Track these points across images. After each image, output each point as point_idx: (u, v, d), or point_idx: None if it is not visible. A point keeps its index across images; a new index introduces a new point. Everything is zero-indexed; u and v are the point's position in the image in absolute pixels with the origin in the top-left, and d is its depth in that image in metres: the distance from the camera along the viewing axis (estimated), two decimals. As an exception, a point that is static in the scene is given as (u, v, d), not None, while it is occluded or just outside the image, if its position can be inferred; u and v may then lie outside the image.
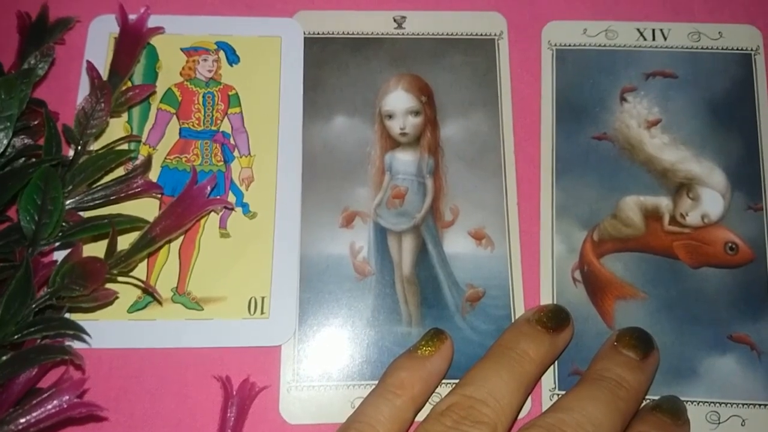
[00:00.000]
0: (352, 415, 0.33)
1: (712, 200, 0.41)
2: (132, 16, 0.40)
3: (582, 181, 0.41)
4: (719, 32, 0.44)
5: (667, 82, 0.43)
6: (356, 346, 0.38)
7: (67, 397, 0.30)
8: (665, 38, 0.44)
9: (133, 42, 0.39)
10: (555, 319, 0.36)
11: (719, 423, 0.37)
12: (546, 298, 0.40)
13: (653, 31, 0.44)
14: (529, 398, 0.37)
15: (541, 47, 0.44)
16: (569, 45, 0.44)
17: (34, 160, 0.35)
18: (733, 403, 0.38)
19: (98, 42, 0.42)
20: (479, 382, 0.33)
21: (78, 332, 0.33)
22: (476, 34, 0.44)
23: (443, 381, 0.36)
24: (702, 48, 0.44)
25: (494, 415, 0.31)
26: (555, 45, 0.44)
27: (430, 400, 0.35)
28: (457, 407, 0.32)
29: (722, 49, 0.44)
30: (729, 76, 0.43)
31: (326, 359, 0.38)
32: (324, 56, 0.43)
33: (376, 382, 0.34)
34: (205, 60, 0.42)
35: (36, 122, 0.37)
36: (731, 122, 0.42)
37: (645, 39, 0.44)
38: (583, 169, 0.42)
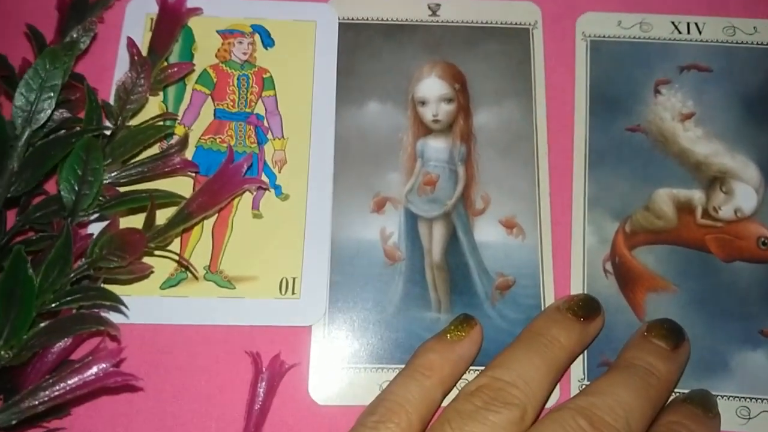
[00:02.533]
0: (381, 393, 0.33)
1: (745, 194, 0.41)
2: (171, -4, 0.40)
3: (615, 172, 0.41)
4: (754, 27, 0.44)
5: (702, 76, 0.43)
6: (385, 330, 0.38)
7: (104, 366, 0.30)
8: (700, 32, 0.44)
9: (171, 22, 0.39)
10: (586, 308, 0.36)
11: (749, 418, 0.37)
12: (576, 289, 0.39)
13: (688, 24, 0.44)
14: (558, 388, 0.37)
15: (575, 38, 0.44)
16: (604, 36, 0.44)
17: (77, 129, 0.35)
18: (764, 399, 0.37)
19: (135, 22, 0.42)
20: (509, 364, 0.33)
21: (115, 303, 0.33)
22: (511, 23, 0.44)
23: (471, 368, 0.36)
24: (737, 42, 0.44)
25: (524, 397, 0.31)
26: (589, 36, 0.44)
27: (457, 385, 0.35)
28: (486, 388, 0.32)
29: (757, 43, 0.44)
30: (764, 70, 0.43)
31: (355, 342, 0.38)
32: (358, 42, 0.43)
33: (404, 365, 0.34)
34: (241, 43, 0.43)
35: (75, 96, 0.37)
36: (765, 117, 0.42)
37: (680, 32, 0.44)
38: (616, 161, 0.42)
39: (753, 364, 0.38)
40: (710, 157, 0.42)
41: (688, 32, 0.44)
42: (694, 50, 0.44)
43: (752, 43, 0.44)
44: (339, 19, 0.44)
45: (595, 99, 0.43)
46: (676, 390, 0.36)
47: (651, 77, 0.43)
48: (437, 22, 0.44)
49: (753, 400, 0.37)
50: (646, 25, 0.44)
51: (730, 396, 0.37)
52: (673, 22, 0.44)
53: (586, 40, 0.44)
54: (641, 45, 0.44)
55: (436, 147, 0.42)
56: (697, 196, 0.41)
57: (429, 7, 0.45)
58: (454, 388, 0.35)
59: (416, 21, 0.44)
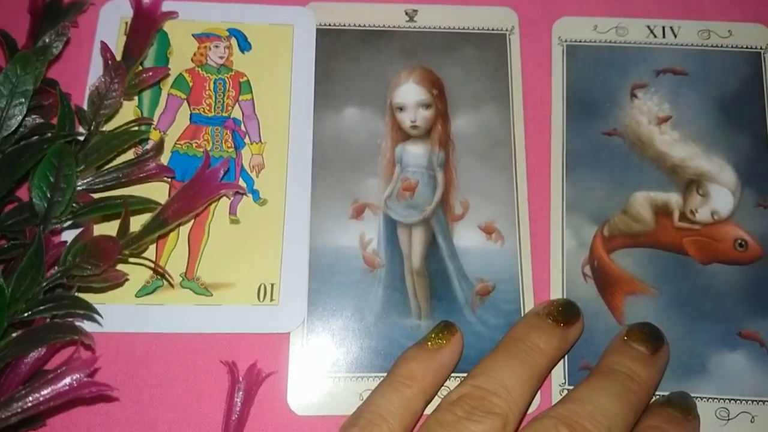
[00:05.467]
0: (362, 405, 0.33)
1: (721, 197, 0.41)
2: (146, 0, 0.40)
3: (592, 176, 0.42)
4: (729, 30, 0.45)
5: (678, 79, 0.43)
6: (365, 338, 0.38)
7: (78, 376, 0.30)
8: (675, 36, 0.44)
9: (146, 25, 0.39)
10: (565, 312, 0.36)
11: (728, 419, 0.37)
12: (556, 293, 0.39)
13: (663, 28, 0.45)
14: (539, 393, 0.37)
15: (551, 42, 0.44)
16: (580, 41, 0.44)
17: (48, 135, 0.34)
18: (743, 400, 0.38)
19: (109, 26, 0.42)
20: (490, 372, 0.32)
21: (89, 311, 0.32)
22: (488, 29, 0.44)
23: (452, 374, 0.36)
24: (712, 46, 0.44)
25: (505, 406, 0.31)
26: (566, 40, 0.44)
27: (438, 393, 0.35)
28: (468, 398, 0.32)
29: (732, 47, 0.44)
30: (738, 73, 0.44)
31: (335, 350, 0.38)
32: (336, 47, 0.43)
33: (385, 374, 0.34)
34: (217, 46, 0.43)
35: (48, 102, 0.37)
36: (741, 119, 0.43)
37: (655, 36, 0.44)
38: (594, 165, 0.42)
39: (731, 366, 0.38)
40: (686, 160, 0.42)
41: (664, 36, 0.45)
42: (670, 54, 0.44)
43: (727, 47, 0.44)
44: (317, 24, 0.44)
45: (572, 103, 0.43)
46: (656, 393, 0.36)
47: (627, 81, 0.43)
48: (415, 27, 0.44)
49: (732, 401, 0.37)
50: (622, 29, 0.45)
51: (709, 398, 0.38)
52: (648, 26, 0.45)
53: (562, 44, 0.44)
54: (617, 49, 0.44)
55: (415, 153, 0.42)
56: (674, 199, 0.41)
57: (406, 13, 0.45)
58: (436, 396, 0.35)
59: (394, 27, 0.44)
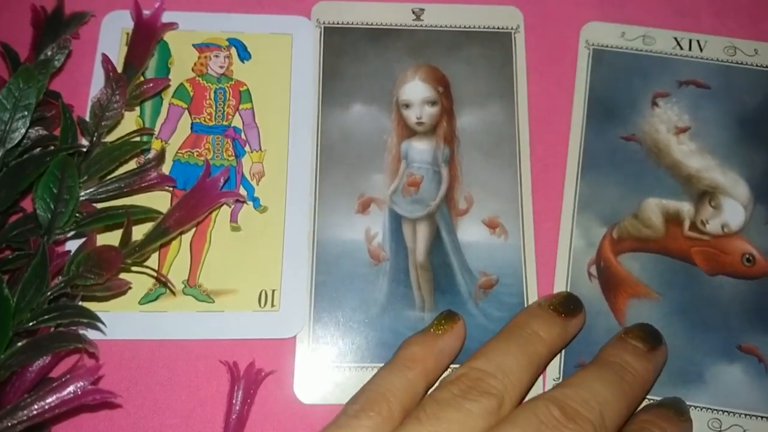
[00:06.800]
0: (365, 385, 0.33)
1: (733, 211, 0.41)
2: (146, 12, 0.40)
3: (607, 178, 0.42)
4: (755, 49, 0.44)
5: (700, 92, 0.43)
6: (370, 330, 0.39)
7: (82, 384, 0.30)
8: (701, 49, 0.44)
9: (147, 36, 0.39)
10: (567, 304, 0.36)
11: (720, 431, 0.38)
12: (559, 289, 0.40)
13: (690, 41, 0.44)
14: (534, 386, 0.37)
15: (578, 45, 0.44)
16: (606, 46, 0.44)
17: (51, 148, 0.34)
18: (736, 413, 0.38)
19: (111, 37, 0.42)
20: (489, 356, 0.33)
21: (93, 320, 0.33)
22: (493, 28, 0.44)
23: (454, 365, 0.36)
24: (737, 63, 0.44)
25: (501, 387, 0.31)
26: (592, 45, 0.44)
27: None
28: (465, 377, 0.32)
29: (757, 65, 0.44)
30: (761, 92, 0.43)
31: (340, 341, 0.39)
32: (343, 46, 0.43)
33: (390, 363, 0.35)
34: (217, 56, 0.43)
35: (50, 113, 0.37)
36: (759, 137, 0.42)
37: (681, 48, 0.44)
38: (609, 167, 0.42)
39: (728, 378, 0.38)
40: (702, 171, 0.41)
41: (690, 49, 0.44)
42: (694, 67, 0.44)
43: (752, 65, 0.44)
44: (324, 23, 0.44)
45: (593, 105, 0.43)
46: (651, 398, 0.36)
47: (650, 89, 0.43)
48: (421, 26, 0.44)
49: (725, 413, 0.38)
50: (649, 38, 0.44)
51: (702, 407, 0.38)
52: (675, 38, 0.44)
53: (589, 48, 0.44)
54: (642, 57, 0.44)
55: (420, 149, 0.42)
56: (686, 208, 0.41)
57: (413, 12, 0.44)
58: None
59: (400, 25, 0.44)
